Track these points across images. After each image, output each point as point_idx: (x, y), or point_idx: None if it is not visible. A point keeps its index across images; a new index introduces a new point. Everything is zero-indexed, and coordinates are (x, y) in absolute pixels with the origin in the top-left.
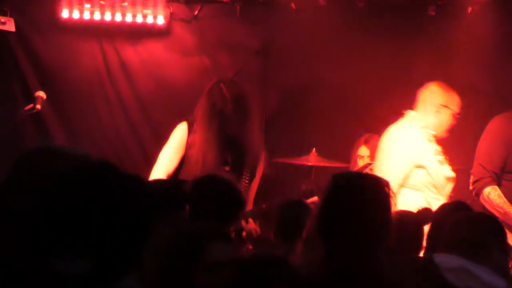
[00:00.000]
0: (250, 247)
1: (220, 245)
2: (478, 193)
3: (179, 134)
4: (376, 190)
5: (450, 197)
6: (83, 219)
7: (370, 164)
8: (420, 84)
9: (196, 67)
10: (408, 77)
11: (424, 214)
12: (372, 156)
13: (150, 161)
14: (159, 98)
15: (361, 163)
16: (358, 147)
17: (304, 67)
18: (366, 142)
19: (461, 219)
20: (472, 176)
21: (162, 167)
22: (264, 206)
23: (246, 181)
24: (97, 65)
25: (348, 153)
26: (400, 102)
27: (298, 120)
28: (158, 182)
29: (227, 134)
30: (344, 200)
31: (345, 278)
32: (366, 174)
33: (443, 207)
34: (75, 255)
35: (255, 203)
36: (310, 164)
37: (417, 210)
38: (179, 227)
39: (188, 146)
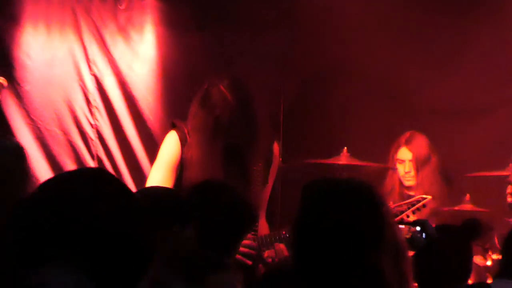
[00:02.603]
0: (261, 266)
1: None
2: None
3: (171, 150)
4: (361, 199)
5: None
6: (78, 229)
7: (424, 199)
8: (476, 68)
9: (195, 46)
10: (462, 61)
11: (472, 228)
12: (415, 160)
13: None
14: (148, 84)
15: (401, 169)
16: (397, 148)
17: (332, 47)
18: (407, 143)
19: None
20: (509, 186)
21: None
22: (284, 232)
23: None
24: (72, 49)
25: (386, 155)
26: (451, 91)
27: (324, 113)
28: (151, 190)
29: (229, 147)
30: (319, 218)
31: None
32: (347, 180)
33: None
34: (68, 267)
35: (272, 215)
36: (341, 163)
37: (462, 222)
38: None
39: (183, 164)
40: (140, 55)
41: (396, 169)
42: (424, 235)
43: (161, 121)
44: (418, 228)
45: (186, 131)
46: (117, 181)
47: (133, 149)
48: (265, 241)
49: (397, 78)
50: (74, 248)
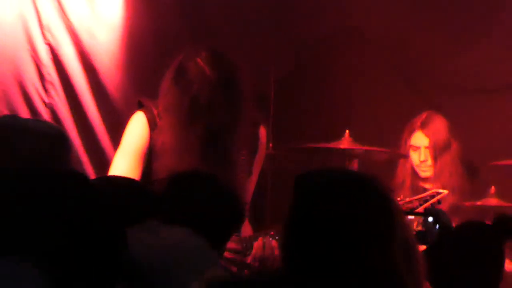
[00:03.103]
0: (246, 272)
1: None
2: None
3: (137, 135)
4: (363, 192)
5: None
6: (40, 226)
7: (439, 194)
8: (504, 39)
9: (169, 10)
10: (488, 30)
11: (507, 225)
12: (433, 147)
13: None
14: (113, 54)
15: (415, 157)
16: (411, 133)
17: (331, 16)
18: (423, 126)
19: None
20: None
21: None
22: (272, 232)
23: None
24: (22, 13)
25: (397, 141)
26: (476, 65)
27: (322, 93)
28: (112, 180)
29: (208, 132)
30: (314, 213)
31: None
32: (346, 170)
33: None
34: (27, 267)
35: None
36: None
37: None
38: None
39: (152, 151)
40: (104, 20)
41: (410, 157)
42: (437, 226)
43: (127, 99)
44: (430, 219)
45: (155, 112)
46: (79, 173)
47: (94, 132)
48: (250, 244)
49: (410, 49)
50: (36, 246)
